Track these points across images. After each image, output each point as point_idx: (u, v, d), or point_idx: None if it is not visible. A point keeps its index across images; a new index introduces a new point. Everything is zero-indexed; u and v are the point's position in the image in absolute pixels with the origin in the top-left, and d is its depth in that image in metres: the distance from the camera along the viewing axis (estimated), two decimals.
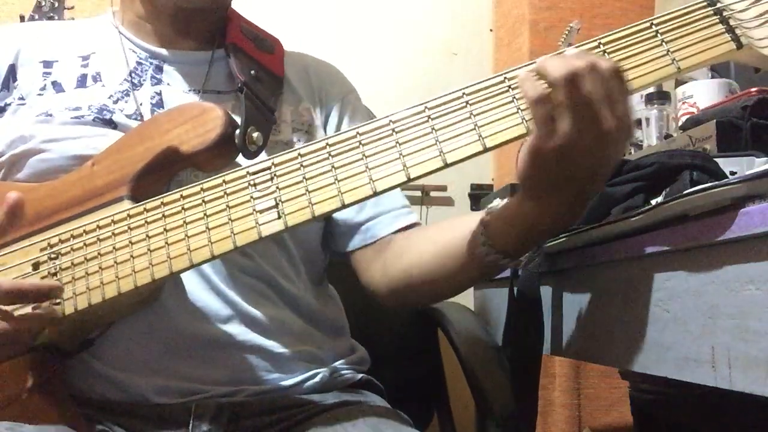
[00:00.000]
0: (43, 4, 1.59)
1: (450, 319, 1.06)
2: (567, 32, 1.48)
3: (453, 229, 0.76)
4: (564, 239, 0.77)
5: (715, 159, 0.67)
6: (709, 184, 0.52)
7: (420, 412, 1.08)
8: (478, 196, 1.46)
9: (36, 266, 0.71)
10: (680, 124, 0.94)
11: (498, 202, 0.71)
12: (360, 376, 0.88)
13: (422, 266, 0.81)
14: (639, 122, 1.16)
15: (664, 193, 0.67)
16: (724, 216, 0.50)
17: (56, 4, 1.59)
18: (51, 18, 1.57)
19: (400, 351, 0.85)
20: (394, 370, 0.96)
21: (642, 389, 1.30)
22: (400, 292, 0.85)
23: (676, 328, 0.58)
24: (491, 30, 2.01)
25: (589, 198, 0.66)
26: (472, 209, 1.49)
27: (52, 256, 0.71)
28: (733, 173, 0.66)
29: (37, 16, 1.58)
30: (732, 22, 0.59)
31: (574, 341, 0.80)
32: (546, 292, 0.87)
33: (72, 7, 1.63)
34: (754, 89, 0.84)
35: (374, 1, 1.95)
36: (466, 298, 1.35)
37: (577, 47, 0.61)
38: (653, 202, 0.66)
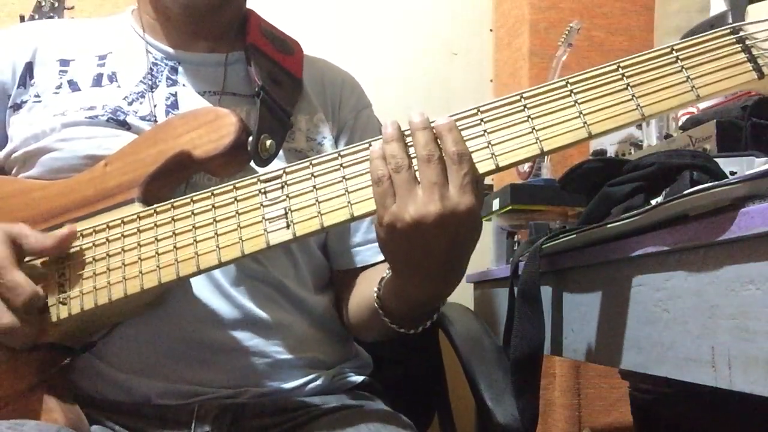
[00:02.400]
0: (43, 4, 1.59)
1: (450, 319, 1.06)
2: (567, 32, 1.48)
3: (369, 286, 0.79)
4: (564, 239, 0.77)
5: (715, 159, 0.67)
6: (709, 184, 0.52)
7: (421, 412, 1.08)
8: None
9: (45, 264, 0.71)
10: (680, 124, 0.94)
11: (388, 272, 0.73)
12: (361, 378, 0.88)
13: (352, 311, 0.86)
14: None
15: (664, 193, 0.67)
16: (724, 216, 0.50)
17: (56, 4, 1.59)
18: (51, 18, 1.57)
19: (401, 351, 0.85)
20: (395, 370, 0.96)
21: (642, 389, 1.30)
22: (349, 325, 0.88)
23: (676, 328, 0.58)
24: (491, 30, 2.01)
25: (455, 273, 0.67)
26: None
27: (61, 254, 0.71)
28: (733, 173, 0.66)
29: (37, 16, 1.58)
30: (754, 51, 0.58)
31: (574, 341, 0.80)
32: (546, 292, 0.87)
33: (72, 7, 1.63)
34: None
35: (375, 1, 1.95)
36: (466, 298, 1.35)
37: (594, 69, 0.61)
38: (653, 202, 0.66)
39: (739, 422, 1.00)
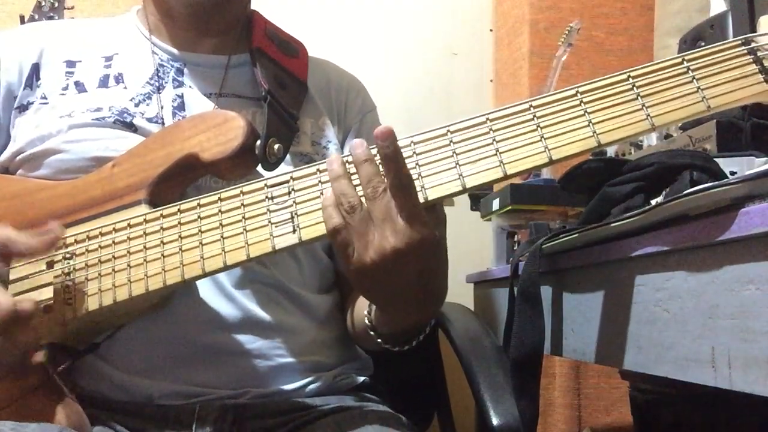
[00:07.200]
0: (43, 4, 1.59)
1: (450, 319, 1.06)
2: (567, 32, 1.48)
3: (361, 309, 0.80)
4: (564, 239, 0.77)
5: (715, 159, 0.67)
6: (709, 184, 0.52)
7: (420, 412, 1.08)
8: (478, 196, 1.46)
9: (50, 265, 0.71)
10: (680, 124, 0.94)
11: None
12: (362, 379, 0.88)
13: (352, 325, 0.87)
14: None
15: (664, 193, 0.67)
16: (724, 216, 0.50)
17: (56, 4, 1.59)
18: (51, 18, 1.57)
19: (401, 351, 0.85)
20: (395, 370, 0.96)
21: (642, 389, 1.30)
22: (350, 333, 0.89)
23: (676, 328, 0.58)
24: (491, 30, 2.01)
25: (434, 296, 0.70)
26: (472, 209, 1.49)
27: (67, 255, 0.71)
28: (733, 173, 0.66)
29: (37, 16, 1.58)
30: (766, 63, 0.58)
31: (574, 341, 0.80)
32: (546, 292, 0.87)
33: (72, 7, 1.63)
34: None
35: (375, 1, 1.95)
36: (466, 298, 1.35)
37: (604, 78, 0.61)
38: (653, 202, 0.66)
39: (739, 422, 1.00)
